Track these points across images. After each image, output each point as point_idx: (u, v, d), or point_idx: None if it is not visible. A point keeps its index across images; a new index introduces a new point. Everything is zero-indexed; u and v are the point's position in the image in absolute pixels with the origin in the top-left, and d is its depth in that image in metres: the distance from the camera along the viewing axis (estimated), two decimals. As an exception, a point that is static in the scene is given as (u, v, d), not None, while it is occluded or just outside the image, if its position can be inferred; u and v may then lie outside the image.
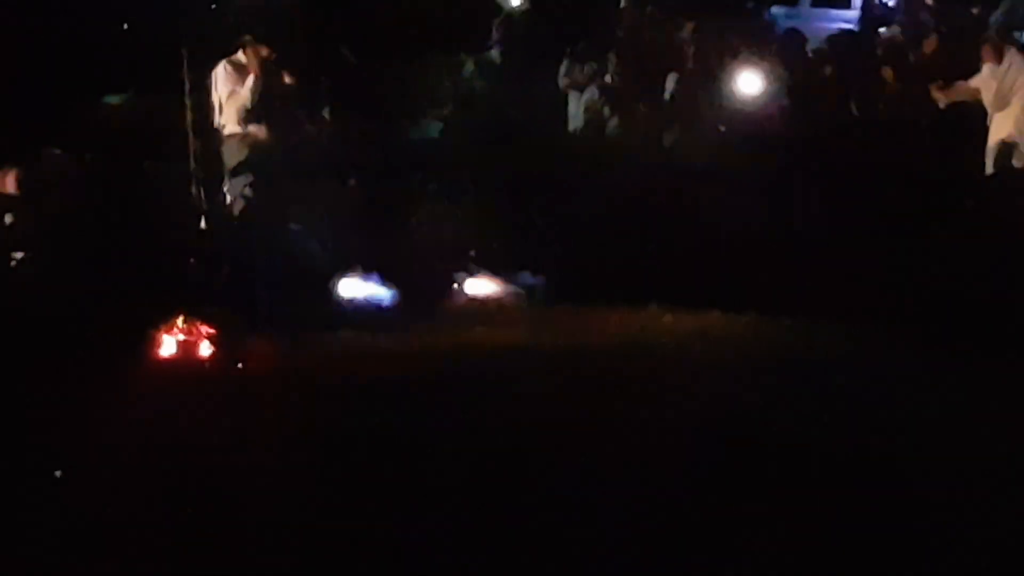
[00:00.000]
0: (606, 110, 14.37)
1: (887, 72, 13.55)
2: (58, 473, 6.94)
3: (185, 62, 12.04)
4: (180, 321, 10.11)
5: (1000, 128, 12.55)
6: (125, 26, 12.21)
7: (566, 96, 14.85)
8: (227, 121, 12.72)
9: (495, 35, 15.29)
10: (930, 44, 14.03)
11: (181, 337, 10.07)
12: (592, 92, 14.60)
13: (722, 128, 14.11)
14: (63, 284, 10.42)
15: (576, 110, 14.78)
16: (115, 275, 10.51)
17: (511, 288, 12.09)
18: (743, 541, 6.30)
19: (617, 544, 6.24)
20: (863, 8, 17.21)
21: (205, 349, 10.10)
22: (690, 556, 6.19)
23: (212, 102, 12.72)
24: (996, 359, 9.78)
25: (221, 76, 12.85)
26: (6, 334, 9.70)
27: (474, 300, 11.95)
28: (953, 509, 6.66)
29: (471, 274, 12.32)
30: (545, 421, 8.06)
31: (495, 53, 15.11)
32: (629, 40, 15.00)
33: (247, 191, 12.39)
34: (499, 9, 15.95)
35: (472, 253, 12.86)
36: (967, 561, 6.16)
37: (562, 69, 14.83)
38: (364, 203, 12.74)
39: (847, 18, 17.39)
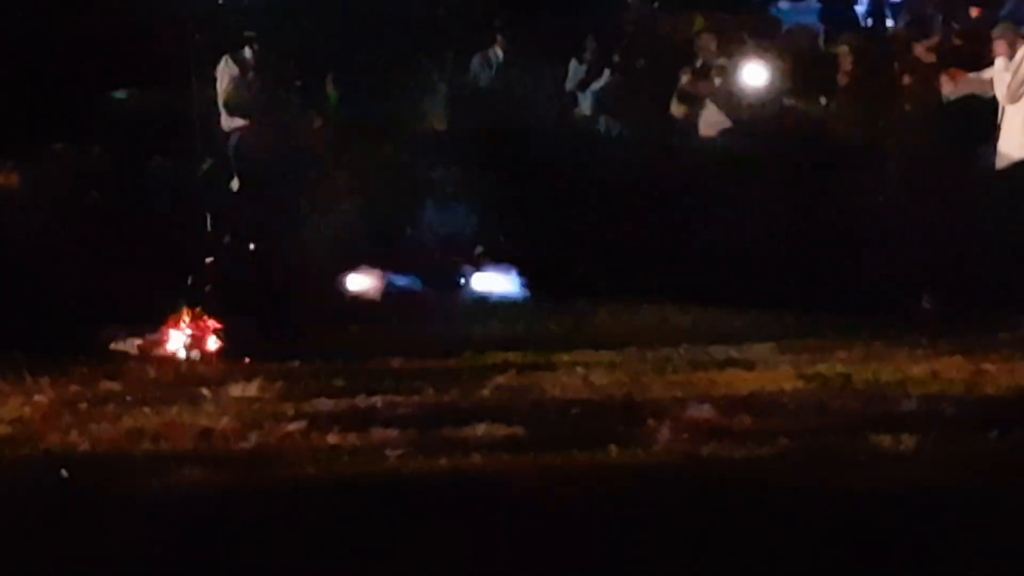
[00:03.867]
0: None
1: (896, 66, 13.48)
2: (64, 473, 6.88)
3: (192, 57, 12.01)
4: (187, 316, 10.09)
5: (1012, 121, 12.48)
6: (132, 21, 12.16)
7: (574, 95, 14.73)
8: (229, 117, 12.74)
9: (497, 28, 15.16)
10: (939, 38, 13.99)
11: (188, 331, 10.06)
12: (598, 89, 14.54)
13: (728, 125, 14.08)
14: (69, 279, 10.38)
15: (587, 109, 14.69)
16: (122, 270, 10.48)
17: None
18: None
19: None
20: (870, 3, 17.11)
21: (212, 344, 10.09)
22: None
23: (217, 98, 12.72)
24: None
25: (223, 72, 12.84)
26: (10, 328, 9.67)
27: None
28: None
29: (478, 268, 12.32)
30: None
31: (498, 49, 14.99)
32: (636, 36, 14.92)
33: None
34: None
35: (479, 248, 12.84)
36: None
37: (571, 69, 14.73)
38: (370, 198, 12.72)
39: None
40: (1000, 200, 12.37)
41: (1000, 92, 12.45)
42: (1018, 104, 12.35)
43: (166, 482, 6.73)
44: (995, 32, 12.83)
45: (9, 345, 9.58)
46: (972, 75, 13.02)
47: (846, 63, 13.62)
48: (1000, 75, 12.46)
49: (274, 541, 5.90)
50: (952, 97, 13.17)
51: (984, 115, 12.77)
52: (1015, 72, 12.35)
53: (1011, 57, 12.45)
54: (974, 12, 14.10)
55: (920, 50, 13.66)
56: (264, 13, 13.18)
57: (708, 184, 13.11)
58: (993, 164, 12.59)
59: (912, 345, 10.11)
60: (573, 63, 14.71)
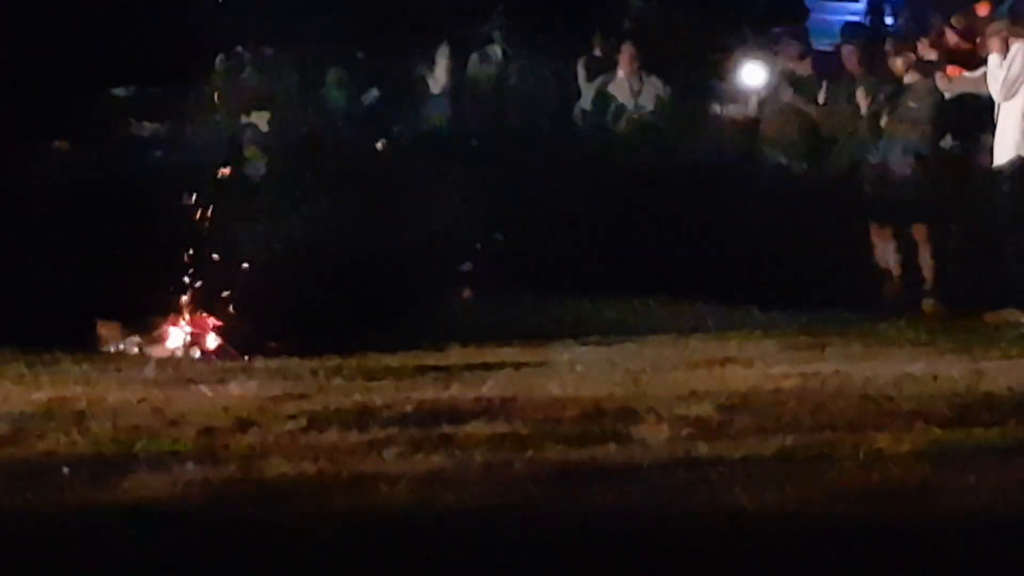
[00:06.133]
0: (613, 104, 14.30)
1: (897, 64, 13.46)
2: (65, 470, 6.88)
3: (191, 54, 12.02)
4: (187, 314, 10.10)
5: (1007, 119, 12.48)
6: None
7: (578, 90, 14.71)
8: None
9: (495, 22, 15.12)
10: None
11: (188, 329, 10.08)
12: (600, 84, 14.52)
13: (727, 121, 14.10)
14: (68, 277, 10.39)
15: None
16: (122, 268, 10.49)
17: None
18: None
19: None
20: (870, 1, 17.13)
21: (212, 341, 10.10)
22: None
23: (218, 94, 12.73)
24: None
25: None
26: (9, 326, 9.68)
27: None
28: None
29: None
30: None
31: (497, 46, 14.97)
32: (636, 31, 14.92)
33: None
34: None
35: (478, 245, 12.84)
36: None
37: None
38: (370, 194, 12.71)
39: (853, 10, 17.33)
40: (997, 197, 12.42)
41: (994, 89, 12.44)
42: (1013, 101, 12.34)
43: (165, 481, 6.74)
44: (988, 29, 12.85)
45: (8, 343, 9.59)
46: (967, 73, 13.05)
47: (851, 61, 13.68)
48: (994, 72, 12.45)
49: (273, 540, 5.90)
50: (948, 95, 13.20)
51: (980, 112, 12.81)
52: (1008, 68, 12.34)
53: (1004, 54, 12.43)
54: (982, 10, 14.10)
55: (921, 48, 13.68)
56: (264, 12, 13.17)
57: (707, 181, 13.14)
58: (990, 161, 12.62)
59: (912, 344, 10.12)
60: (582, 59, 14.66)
